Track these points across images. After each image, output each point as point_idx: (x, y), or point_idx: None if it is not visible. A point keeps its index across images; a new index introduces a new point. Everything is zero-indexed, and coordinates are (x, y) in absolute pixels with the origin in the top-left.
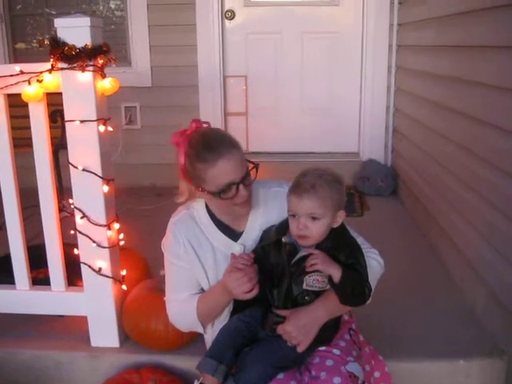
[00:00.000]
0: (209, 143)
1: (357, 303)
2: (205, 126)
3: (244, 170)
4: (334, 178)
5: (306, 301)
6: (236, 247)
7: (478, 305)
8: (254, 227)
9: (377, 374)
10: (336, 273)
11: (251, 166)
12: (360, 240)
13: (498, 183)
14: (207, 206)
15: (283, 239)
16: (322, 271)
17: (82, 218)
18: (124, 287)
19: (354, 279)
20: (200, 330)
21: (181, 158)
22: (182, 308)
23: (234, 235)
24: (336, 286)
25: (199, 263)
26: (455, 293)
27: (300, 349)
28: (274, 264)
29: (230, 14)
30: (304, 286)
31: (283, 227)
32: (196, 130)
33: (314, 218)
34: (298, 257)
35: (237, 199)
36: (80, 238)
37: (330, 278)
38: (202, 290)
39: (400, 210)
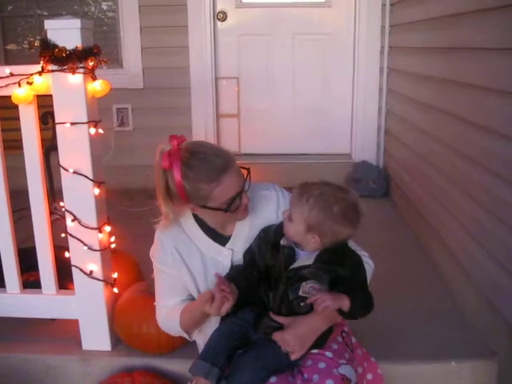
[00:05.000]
0: (207, 161)
1: (362, 316)
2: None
3: (242, 178)
4: (327, 206)
5: (302, 307)
6: (224, 252)
7: (469, 306)
8: (241, 231)
9: (369, 376)
10: (345, 304)
11: (244, 171)
12: (350, 243)
13: (487, 184)
14: (194, 213)
15: (281, 242)
16: (335, 308)
17: (73, 220)
18: (115, 290)
19: (361, 300)
20: (186, 337)
21: (178, 180)
22: (169, 315)
23: (221, 240)
24: (345, 313)
25: (188, 271)
26: (446, 294)
27: (294, 357)
28: (270, 266)
29: (222, 16)
30: (300, 293)
31: (281, 229)
32: (180, 148)
33: (290, 219)
34: (295, 265)
35: (241, 208)
36: (71, 240)
37: (339, 310)
38: (192, 296)
39: (392, 211)
